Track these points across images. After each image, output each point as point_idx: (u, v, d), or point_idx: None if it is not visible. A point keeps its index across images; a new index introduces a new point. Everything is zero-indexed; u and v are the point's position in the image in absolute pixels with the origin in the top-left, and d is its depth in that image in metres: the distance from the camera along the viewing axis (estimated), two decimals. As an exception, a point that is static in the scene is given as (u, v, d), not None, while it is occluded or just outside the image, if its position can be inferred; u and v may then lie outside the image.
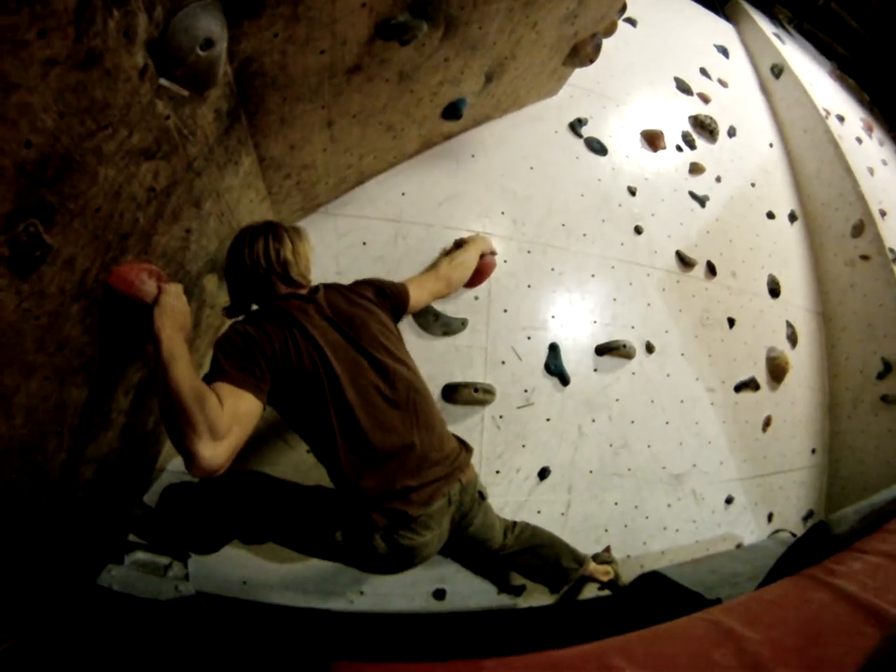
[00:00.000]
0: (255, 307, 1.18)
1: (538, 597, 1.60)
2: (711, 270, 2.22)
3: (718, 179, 2.46)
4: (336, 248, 1.66)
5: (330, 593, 1.43)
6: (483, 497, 1.18)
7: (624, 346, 1.83)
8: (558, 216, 1.92)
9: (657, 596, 1.61)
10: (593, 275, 1.90)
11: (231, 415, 0.83)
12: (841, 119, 2.87)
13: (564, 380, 1.74)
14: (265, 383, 0.94)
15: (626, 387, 1.86)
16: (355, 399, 1.01)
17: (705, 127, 2.51)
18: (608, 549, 1.74)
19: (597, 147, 2.12)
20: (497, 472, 1.62)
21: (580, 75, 2.20)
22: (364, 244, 1.66)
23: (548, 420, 1.71)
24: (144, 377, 1.11)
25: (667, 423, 1.92)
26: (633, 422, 1.85)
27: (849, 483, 2.37)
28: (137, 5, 0.61)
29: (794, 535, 2.13)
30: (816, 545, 1.17)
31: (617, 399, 1.83)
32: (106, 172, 0.75)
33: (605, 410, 1.81)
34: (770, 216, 2.61)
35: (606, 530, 1.76)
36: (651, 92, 2.47)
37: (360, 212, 1.70)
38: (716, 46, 2.98)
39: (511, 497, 1.64)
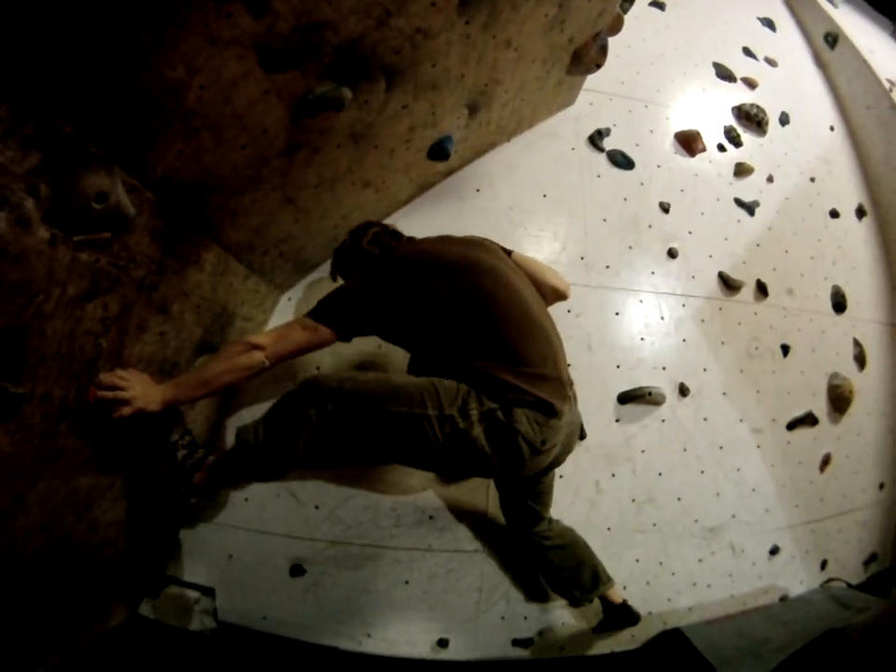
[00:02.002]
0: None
1: (545, 650, 1.53)
2: (762, 290, 1.96)
3: (769, 179, 2.15)
4: None
5: (340, 633, 1.44)
6: (583, 429, 1.33)
7: (650, 394, 1.66)
8: (575, 248, 1.74)
9: (676, 657, 1.50)
10: (617, 314, 1.72)
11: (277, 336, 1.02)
12: None
13: (580, 434, 1.61)
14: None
15: (654, 437, 1.70)
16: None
17: (752, 118, 2.18)
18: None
19: (622, 161, 1.89)
20: (490, 546, 1.53)
21: (599, 77, 1.96)
22: None
23: (560, 477, 1.59)
24: (143, 451, 1.16)
25: (702, 472, 1.74)
26: (660, 474, 1.69)
27: (923, 523, 2.10)
28: (20, 196, 0.56)
29: (849, 584, 1.92)
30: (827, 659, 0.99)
31: (643, 451, 1.68)
32: (53, 325, 0.79)
33: (628, 463, 1.66)
34: (834, 214, 2.26)
35: (624, 587, 1.64)
36: (687, 85, 2.17)
37: None
38: (760, 19, 2.56)
39: (511, 569, 1.54)
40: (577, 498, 1.61)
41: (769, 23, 2.57)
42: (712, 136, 2.10)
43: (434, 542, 1.50)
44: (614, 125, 1.96)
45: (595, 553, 1.50)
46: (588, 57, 1.67)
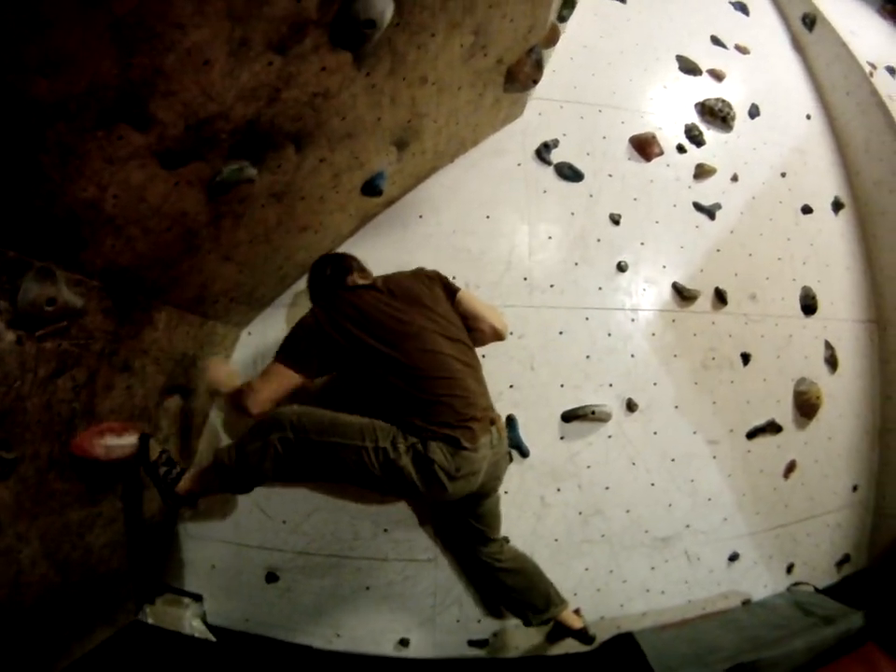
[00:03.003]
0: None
1: (500, 651, 1.62)
2: (720, 298, 1.92)
3: (734, 178, 2.08)
4: None
5: (313, 633, 1.59)
6: (511, 456, 1.43)
7: (593, 412, 1.68)
8: (518, 268, 1.75)
9: (627, 661, 1.56)
10: (560, 333, 1.74)
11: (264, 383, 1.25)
12: (892, 71, 2.24)
13: (522, 452, 1.66)
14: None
15: (600, 452, 1.72)
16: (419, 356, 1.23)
17: (716, 114, 2.10)
18: (577, 611, 1.67)
19: (569, 174, 1.87)
20: (443, 554, 1.61)
21: (550, 84, 1.94)
22: None
23: (506, 493, 1.64)
24: (124, 484, 1.36)
25: (652, 485, 1.76)
26: (607, 488, 1.72)
27: (898, 524, 2.06)
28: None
29: (817, 588, 1.92)
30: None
31: (588, 466, 1.71)
32: (32, 401, 0.98)
33: (573, 478, 1.70)
34: (806, 210, 2.17)
35: (575, 594, 1.68)
36: (646, 83, 2.10)
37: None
38: (732, 3, 2.42)
39: (464, 576, 1.62)
40: (523, 513, 1.67)
41: (742, 7, 2.43)
42: (672, 137, 2.04)
43: (390, 553, 1.61)
44: (564, 135, 1.93)
45: (544, 563, 1.57)
46: (522, 74, 1.65)
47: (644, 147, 1.97)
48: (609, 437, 1.73)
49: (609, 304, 1.79)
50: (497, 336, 1.44)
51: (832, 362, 2.08)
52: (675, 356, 1.84)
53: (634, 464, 1.75)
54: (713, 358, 1.89)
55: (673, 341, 1.84)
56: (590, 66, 2.06)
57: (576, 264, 1.80)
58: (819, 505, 2.02)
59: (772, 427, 1.93)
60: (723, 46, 2.29)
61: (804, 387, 2.00)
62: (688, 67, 2.17)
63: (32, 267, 0.93)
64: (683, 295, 1.87)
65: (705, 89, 2.17)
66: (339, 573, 1.60)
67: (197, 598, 1.61)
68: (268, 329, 1.71)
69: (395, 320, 1.26)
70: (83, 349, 1.08)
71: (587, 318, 1.77)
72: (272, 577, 1.60)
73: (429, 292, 1.35)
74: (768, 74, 2.32)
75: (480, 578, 1.56)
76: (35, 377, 0.98)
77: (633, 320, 1.81)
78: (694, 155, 2.05)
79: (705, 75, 2.19)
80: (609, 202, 1.89)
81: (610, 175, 1.92)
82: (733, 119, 2.13)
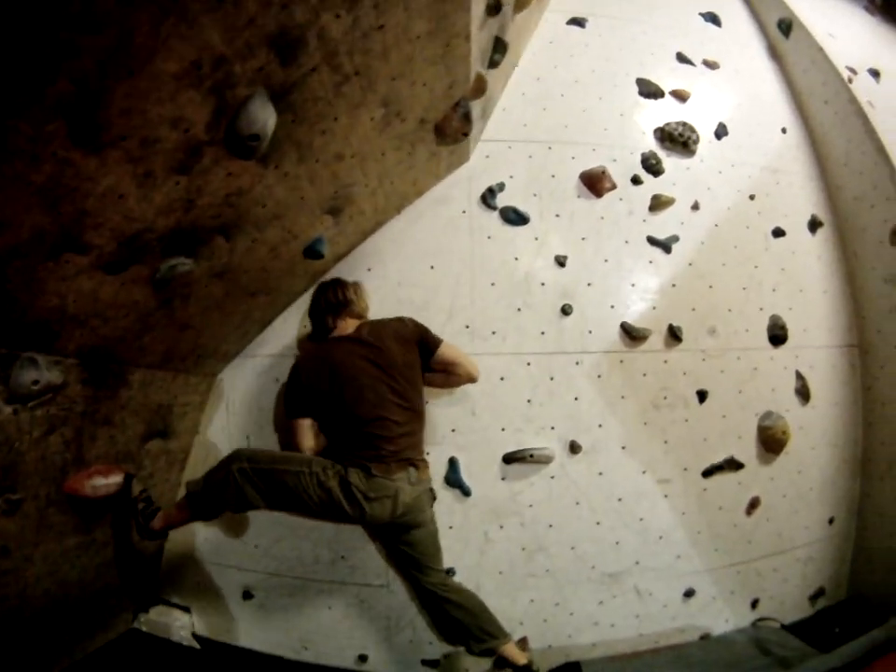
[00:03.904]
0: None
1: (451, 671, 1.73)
2: (674, 335, 1.89)
3: (695, 206, 2.02)
4: (255, 386, 1.86)
5: (283, 645, 1.80)
6: (433, 494, 1.59)
7: (531, 456, 1.74)
8: (461, 317, 1.82)
9: None
10: (501, 378, 1.80)
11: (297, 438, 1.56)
12: (876, 74, 2.06)
13: (464, 492, 1.75)
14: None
15: (542, 492, 1.78)
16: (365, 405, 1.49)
17: (676, 140, 2.04)
18: (523, 640, 1.73)
19: (514, 218, 1.90)
20: (395, 581, 1.74)
21: (499, 123, 1.98)
22: (277, 380, 1.83)
23: (450, 528, 1.74)
24: (114, 514, 1.58)
25: (598, 523, 1.80)
26: (551, 526, 1.78)
27: (878, 556, 1.97)
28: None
29: (783, 625, 1.90)
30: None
31: (530, 505, 1.78)
32: (30, 455, 1.23)
33: (515, 516, 1.77)
34: (778, 233, 2.08)
35: (521, 623, 1.77)
36: (602, 112, 2.06)
37: (272, 350, 1.87)
38: (702, 14, 2.29)
39: (415, 599, 1.73)
40: (467, 547, 1.77)
41: (713, 18, 2.30)
42: (626, 169, 2.00)
43: (347, 577, 1.79)
44: (511, 177, 1.95)
45: (489, 594, 1.68)
46: (451, 129, 1.68)
47: (594, 182, 1.96)
48: (552, 477, 1.79)
49: (551, 349, 1.83)
50: (470, 380, 1.66)
51: (803, 393, 2.01)
52: (622, 397, 1.85)
53: (578, 503, 1.80)
54: (665, 398, 1.88)
55: (620, 382, 1.85)
56: (542, 100, 2.05)
57: (518, 310, 1.84)
58: (788, 540, 1.98)
59: (731, 465, 1.91)
60: (690, 63, 2.19)
61: (768, 422, 1.95)
62: (648, 91, 2.11)
63: (18, 357, 1.16)
64: (632, 335, 1.86)
65: (666, 112, 2.10)
66: (304, 593, 1.80)
67: (186, 610, 1.86)
68: (236, 377, 1.89)
69: (355, 369, 1.51)
70: (69, 412, 1.32)
71: (528, 363, 1.81)
72: (247, 594, 1.82)
73: (397, 346, 1.55)
74: (740, 88, 2.20)
75: (426, 605, 1.67)
76: (30, 437, 1.23)
77: (577, 363, 1.84)
78: (651, 186, 2.01)
79: (667, 97, 2.12)
80: (556, 243, 1.90)
81: (558, 216, 1.93)
82: (695, 142, 2.06)
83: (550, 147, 2.00)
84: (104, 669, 1.60)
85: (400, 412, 1.50)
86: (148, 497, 1.52)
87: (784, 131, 2.18)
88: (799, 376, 2.01)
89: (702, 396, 1.91)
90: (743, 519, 1.93)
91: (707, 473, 1.89)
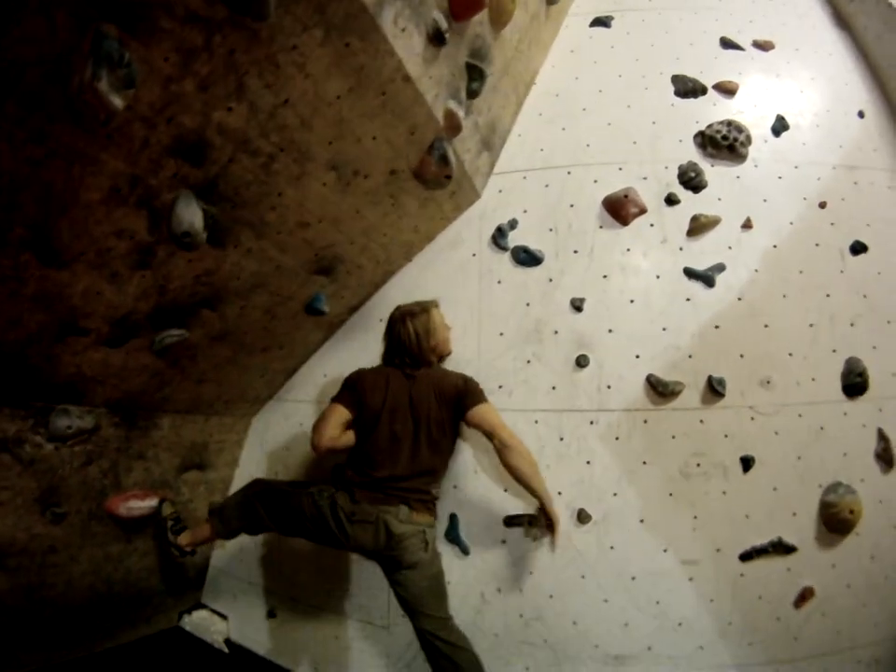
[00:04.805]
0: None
1: None
2: (714, 390, 1.62)
3: (746, 225, 1.68)
4: (284, 428, 1.99)
5: (299, 662, 1.91)
6: (427, 543, 1.51)
7: (529, 523, 1.61)
8: (466, 370, 1.70)
9: None
10: (505, 437, 1.67)
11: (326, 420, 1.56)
12: None
13: (463, 550, 1.69)
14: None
15: (545, 561, 1.65)
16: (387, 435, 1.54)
17: (719, 144, 1.68)
18: None
19: (525, 258, 1.73)
20: (396, 624, 1.76)
21: (514, 151, 1.82)
22: (301, 424, 1.93)
23: (448, 583, 1.69)
24: (155, 528, 1.77)
25: (606, 601, 1.63)
26: (552, 596, 1.65)
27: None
28: (32, 440, 1.28)
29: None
30: None
31: (531, 573, 1.66)
32: (73, 479, 1.49)
33: (514, 581, 1.67)
34: (858, 249, 1.65)
35: None
36: (629, 124, 1.78)
37: (297, 397, 1.96)
38: None
39: (414, 644, 1.69)
40: (463, 604, 1.71)
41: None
42: (659, 187, 1.71)
43: (354, 614, 1.86)
44: (525, 211, 1.76)
45: (484, 653, 1.61)
46: (430, 174, 1.52)
47: (618, 209, 1.69)
48: (557, 546, 1.65)
49: (561, 406, 1.66)
50: (504, 447, 1.49)
51: (885, 458, 1.63)
52: (644, 462, 1.63)
53: (583, 577, 1.64)
54: (698, 465, 1.63)
55: (642, 445, 1.63)
56: (560, 119, 1.81)
57: (528, 362, 1.69)
58: (847, 639, 1.65)
59: (778, 548, 1.62)
60: (737, 47, 1.78)
61: (833, 497, 1.61)
62: (687, 89, 1.75)
63: (53, 409, 1.41)
64: (660, 390, 1.62)
65: (708, 112, 1.74)
66: (318, 621, 1.90)
67: (224, 617, 2.07)
68: (270, 419, 2.01)
69: (399, 406, 1.54)
70: (104, 448, 1.55)
71: (536, 421, 1.67)
72: (271, 613, 1.98)
73: (436, 403, 1.53)
74: (800, 69, 1.75)
75: (422, 648, 1.61)
76: (71, 466, 1.47)
77: (592, 422, 1.65)
78: (689, 205, 1.69)
79: (710, 92, 1.74)
80: (572, 284, 1.70)
81: (576, 252, 1.72)
82: (745, 144, 1.68)
83: (569, 172, 1.77)
84: (139, 657, 1.83)
85: (409, 464, 1.51)
86: (178, 518, 1.69)
87: (861, 115, 1.70)
88: (882, 436, 1.63)
89: (746, 463, 1.62)
90: (789, 612, 1.64)
91: (746, 557, 1.62)
